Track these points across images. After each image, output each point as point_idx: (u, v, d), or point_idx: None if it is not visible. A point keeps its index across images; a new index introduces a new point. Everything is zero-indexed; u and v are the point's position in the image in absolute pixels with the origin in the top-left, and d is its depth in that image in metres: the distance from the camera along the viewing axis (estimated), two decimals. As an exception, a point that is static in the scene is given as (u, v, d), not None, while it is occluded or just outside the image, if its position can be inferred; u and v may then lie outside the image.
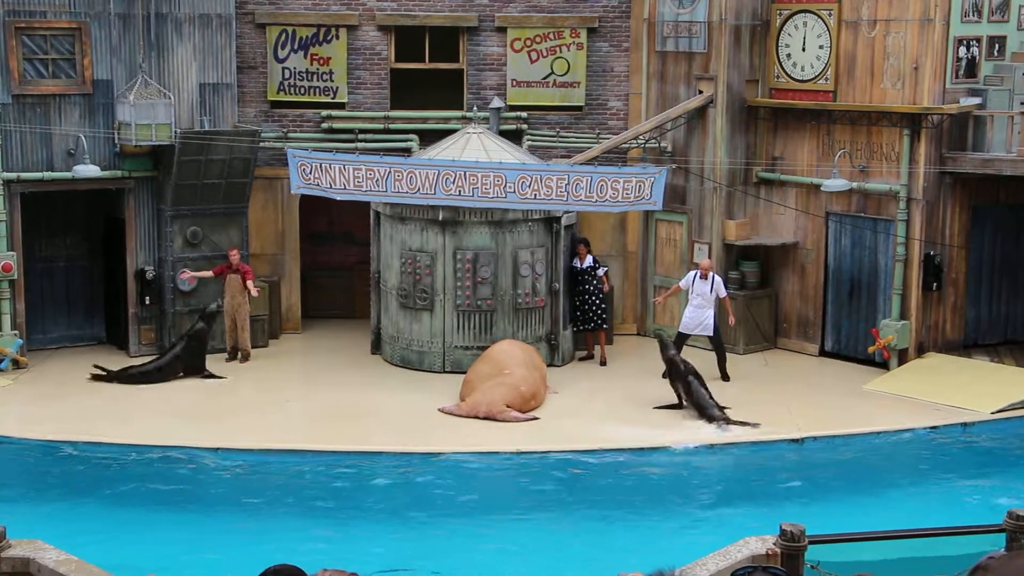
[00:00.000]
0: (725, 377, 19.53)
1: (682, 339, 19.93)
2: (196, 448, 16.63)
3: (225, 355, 20.50)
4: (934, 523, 13.77)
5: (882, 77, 19.97)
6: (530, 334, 20.18)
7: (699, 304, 19.70)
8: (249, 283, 20.10)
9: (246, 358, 20.41)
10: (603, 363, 20.58)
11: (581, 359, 20.81)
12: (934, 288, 20.05)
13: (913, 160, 19.70)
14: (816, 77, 20.75)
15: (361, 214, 21.55)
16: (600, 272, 20.55)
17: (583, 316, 20.62)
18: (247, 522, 14.89)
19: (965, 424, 17.95)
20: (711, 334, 19.81)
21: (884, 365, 20.10)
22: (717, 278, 19.85)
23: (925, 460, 17.11)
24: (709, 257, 21.27)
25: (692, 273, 19.93)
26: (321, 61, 21.86)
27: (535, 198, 19.45)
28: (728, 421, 17.62)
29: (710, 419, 17.71)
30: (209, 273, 20.35)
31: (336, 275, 23.34)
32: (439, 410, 18.11)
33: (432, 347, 20.09)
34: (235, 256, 20.28)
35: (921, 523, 14.00)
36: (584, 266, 20.51)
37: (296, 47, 21.78)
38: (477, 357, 19.09)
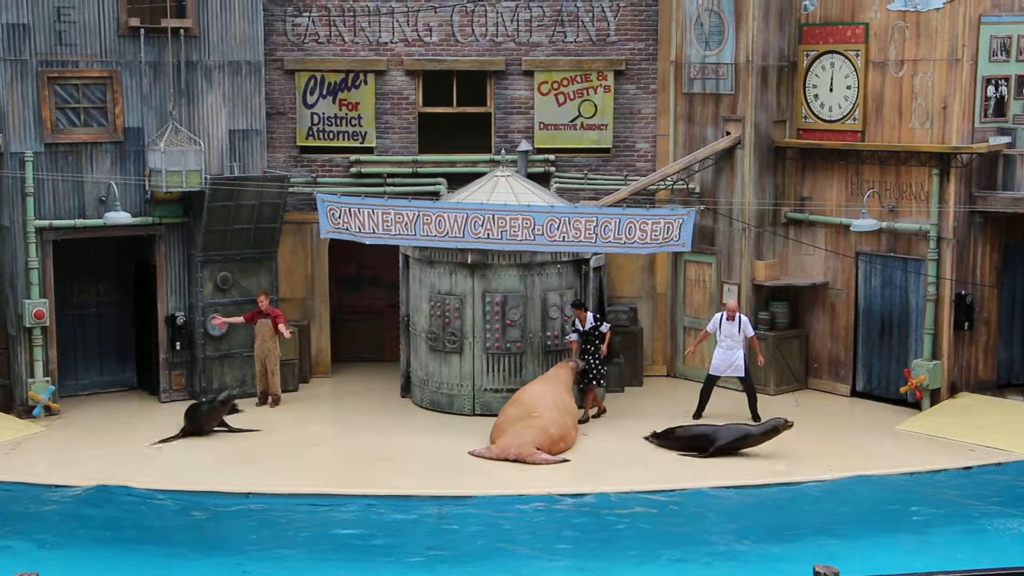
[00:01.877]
0: (756, 418, 19.42)
1: (712, 381, 19.89)
2: (227, 493, 16.64)
3: (255, 400, 20.52)
4: (968, 564, 13.66)
5: (910, 117, 19.95)
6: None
7: (728, 346, 19.69)
8: (281, 326, 20.18)
9: (276, 403, 20.45)
10: (602, 413, 20.02)
11: (581, 422, 19.45)
12: (966, 327, 19.94)
13: (943, 199, 19.64)
14: (844, 117, 20.75)
15: (390, 258, 21.62)
16: (603, 328, 19.74)
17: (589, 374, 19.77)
18: (278, 567, 14.86)
19: (999, 464, 17.80)
20: (742, 375, 19.75)
21: (916, 405, 19.98)
22: (744, 318, 19.86)
23: (959, 501, 16.94)
24: (738, 298, 21.22)
25: (718, 315, 19.94)
26: (349, 106, 22.01)
27: (563, 240, 19.47)
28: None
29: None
30: (240, 319, 20.44)
31: (366, 319, 23.42)
32: (469, 453, 18.08)
33: (462, 390, 20.08)
34: (264, 301, 20.35)
35: (955, 564, 13.88)
36: (587, 328, 19.69)
37: (324, 93, 21.94)
38: (507, 400, 19.04)
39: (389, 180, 21.99)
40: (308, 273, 22.14)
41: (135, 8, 19.88)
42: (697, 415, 19.68)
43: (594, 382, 19.87)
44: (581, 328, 19.74)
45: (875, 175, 20.50)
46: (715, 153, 21.36)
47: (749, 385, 19.81)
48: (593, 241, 19.57)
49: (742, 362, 19.67)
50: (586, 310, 19.78)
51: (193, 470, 17.42)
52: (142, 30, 19.84)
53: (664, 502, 16.58)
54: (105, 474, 17.19)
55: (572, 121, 22.35)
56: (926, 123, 19.75)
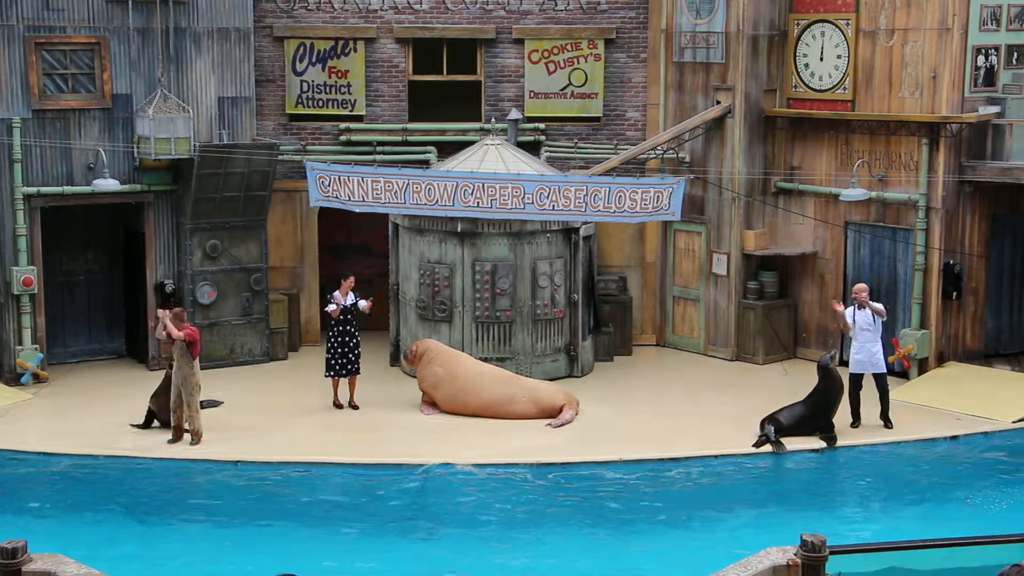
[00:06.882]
0: (888, 424, 17.96)
1: (857, 381, 18.00)
2: (215, 461, 16.67)
3: (169, 436, 17.31)
4: (956, 532, 13.72)
5: (900, 86, 19.94)
6: (549, 345, 20.19)
7: (867, 339, 17.90)
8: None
9: (198, 439, 17.20)
10: (356, 406, 18.93)
11: (338, 406, 18.92)
12: (954, 297, 19.99)
13: (932, 169, 19.65)
14: (834, 87, 20.73)
15: (380, 226, 21.60)
16: (361, 305, 18.73)
17: (342, 361, 18.72)
18: (266, 534, 14.90)
19: (986, 433, 17.88)
20: (882, 371, 18.03)
21: (904, 374, 20.03)
22: (874, 304, 18.09)
23: (947, 469, 17.03)
24: (727, 267, 21.23)
25: (851, 308, 18.06)
26: (339, 74, 21.93)
27: (553, 209, 19.46)
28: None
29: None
30: (162, 332, 17.39)
31: (355, 287, 23.34)
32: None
33: (451, 359, 20.05)
34: (169, 316, 17.28)
35: (943, 533, 13.95)
36: (348, 303, 18.71)
37: (314, 60, 21.86)
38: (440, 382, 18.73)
39: (379, 148, 21.94)
40: (298, 241, 22.12)
41: (123, -26, 19.81)
42: (855, 424, 17.91)
43: (344, 372, 18.84)
44: (343, 301, 18.70)
45: (865, 145, 20.50)
46: (705, 122, 21.34)
47: (884, 386, 18.03)
48: (583, 210, 19.56)
49: (881, 357, 18.02)
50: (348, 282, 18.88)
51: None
52: (130, -4, 19.77)
53: (654, 471, 16.63)
54: (94, 442, 17.20)
55: (562, 90, 22.30)
56: (916, 93, 19.74)
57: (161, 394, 17.60)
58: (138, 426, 17.78)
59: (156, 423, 17.75)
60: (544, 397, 18.50)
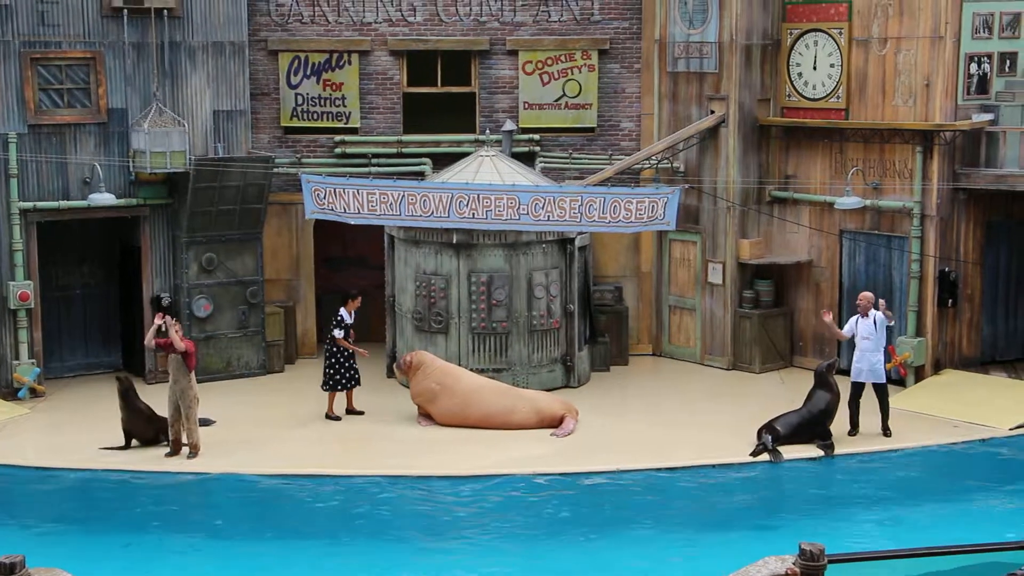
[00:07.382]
0: (887, 433, 17.92)
1: (858, 390, 18.05)
2: (213, 474, 16.66)
3: (166, 449, 17.40)
4: (954, 541, 13.73)
5: (894, 94, 19.99)
6: (545, 356, 20.20)
7: (867, 347, 17.86)
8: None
9: (196, 453, 17.21)
10: (361, 412, 19.19)
11: (336, 418, 19.03)
12: (949, 304, 20.01)
13: (926, 177, 19.70)
14: (828, 95, 20.78)
15: (375, 238, 21.62)
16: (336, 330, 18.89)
17: (348, 375, 18.94)
18: (263, 547, 14.89)
19: (984, 440, 17.89)
20: (881, 381, 18.01)
21: (901, 382, 20.05)
22: (879, 314, 18.00)
23: (944, 477, 17.04)
24: (723, 276, 21.25)
25: (853, 318, 18.25)
26: (334, 87, 21.96)
27: (548, 220, 19.49)
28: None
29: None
30: (150, 340, 17.68)
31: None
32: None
33: (448, 370, 20.07)
34: (168, 324, 17.31)
35: (941, 541, 13.95)
36: (352, 321, 19.01)
37: (309, 73, 21.89)
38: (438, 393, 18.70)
39: (374, 160, 21.97)
40: (293, 254, 22.13)
41: (118, -11, 19.85)
42: (853, 432, 17.95)
43: (352, 383, 19.04)
44: (347, 319, 18.90)
45: (859, 153, 20.55)
46: (699, 132, 21.38)
47: (884, 396, 18.09)
48: (578, 220, 19.59)
49: (882, 367, 18.02)
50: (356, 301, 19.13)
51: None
52: (125, 11, 19.76)
53: (653, 480, 16.64)
54: (91, 456, 17.19)
55: (556, 101, 22.34)
56: (909, 101, 19.79)
57: (133, 417, 17.59)
58: (115, 448, 17.59)
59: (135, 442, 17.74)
60: (544, 407, 18.52)
